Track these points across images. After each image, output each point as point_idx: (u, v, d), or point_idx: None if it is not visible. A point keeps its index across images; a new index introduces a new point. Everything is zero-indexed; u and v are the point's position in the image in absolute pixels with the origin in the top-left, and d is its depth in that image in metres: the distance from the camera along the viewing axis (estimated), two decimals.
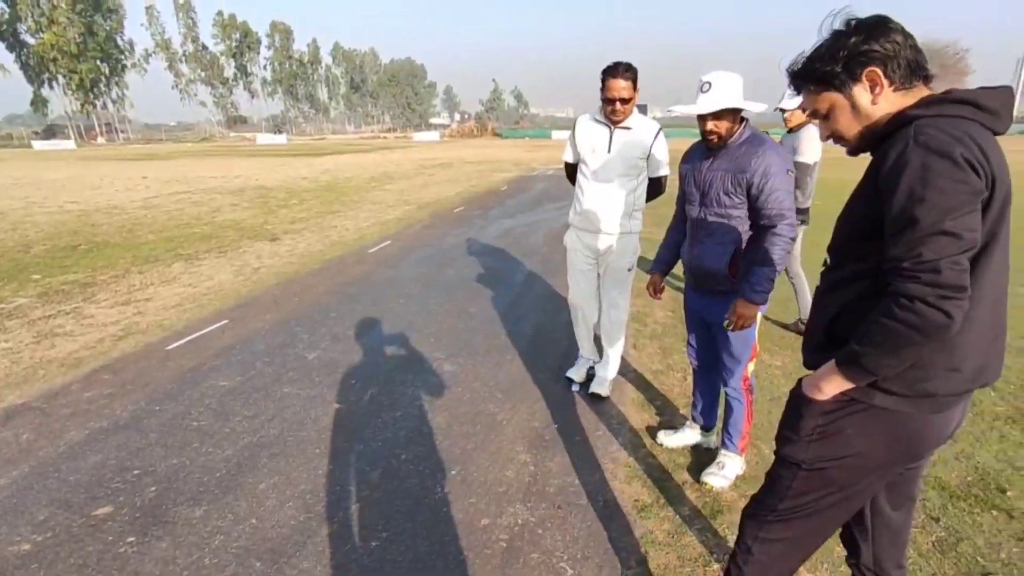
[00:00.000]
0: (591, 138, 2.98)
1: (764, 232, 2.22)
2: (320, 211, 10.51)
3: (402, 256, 6.89)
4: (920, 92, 1.18)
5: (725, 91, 2.15)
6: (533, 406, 3.19)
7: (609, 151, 2.93)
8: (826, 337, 1.30)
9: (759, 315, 2.30)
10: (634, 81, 2.78)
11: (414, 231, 8.56)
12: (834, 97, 1.23)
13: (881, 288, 1.13)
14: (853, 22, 1.19)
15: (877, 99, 1.19)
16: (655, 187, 3.09)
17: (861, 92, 1.20)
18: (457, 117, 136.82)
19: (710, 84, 2.16)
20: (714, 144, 2.28)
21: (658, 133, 2.95)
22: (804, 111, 1.56)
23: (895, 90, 1.18)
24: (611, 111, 2.83)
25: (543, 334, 4.27)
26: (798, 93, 1.33)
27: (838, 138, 1.28)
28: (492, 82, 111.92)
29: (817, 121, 1.32)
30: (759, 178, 2.17)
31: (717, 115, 2.19)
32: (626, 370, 3.58)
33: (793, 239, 2.23)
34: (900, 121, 1.15)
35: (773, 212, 2.18)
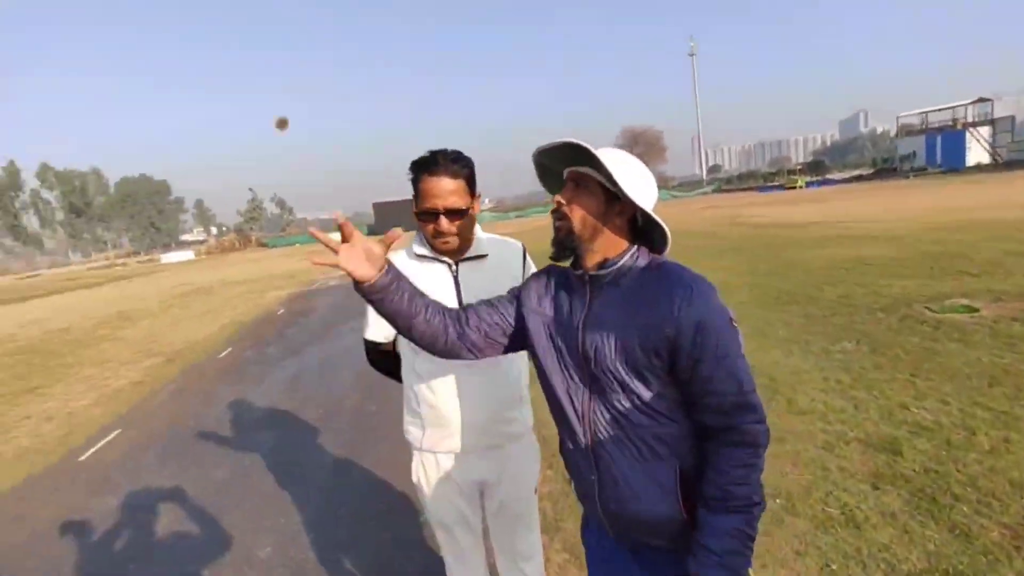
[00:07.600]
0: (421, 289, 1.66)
1: (716, 436, 1.16)
2: (8, 391, 7.28)
3: (137, 459, 4.61)
4: None
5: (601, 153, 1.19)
6: None
7: (460, 304, 1.66)
8: None
9: None
10: (469, 180, 1.61)
11: (158, 403, 6.17)
12: None
13: None
14: None
15: None
16: None
17: None
18: (214, 231, 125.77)
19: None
20: (573, 246, 1.25)
21: (524, 253, 1.81)
22: None
23: None
24: (435, 233, 1.60)
25: None
26: None
27: None
28: (249, 191, 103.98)
29: None
30: (689, 336, 1.13)
31: (578, 181, 1.25)
32: None
33: (765, 444, 1.17)
34: None
35: (727, 399, 1.14)
